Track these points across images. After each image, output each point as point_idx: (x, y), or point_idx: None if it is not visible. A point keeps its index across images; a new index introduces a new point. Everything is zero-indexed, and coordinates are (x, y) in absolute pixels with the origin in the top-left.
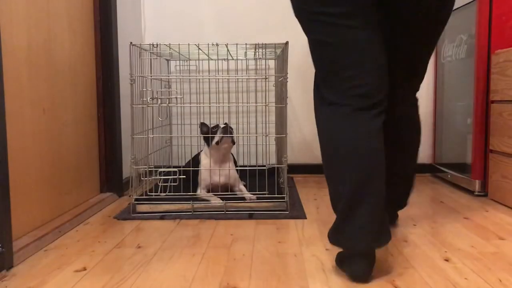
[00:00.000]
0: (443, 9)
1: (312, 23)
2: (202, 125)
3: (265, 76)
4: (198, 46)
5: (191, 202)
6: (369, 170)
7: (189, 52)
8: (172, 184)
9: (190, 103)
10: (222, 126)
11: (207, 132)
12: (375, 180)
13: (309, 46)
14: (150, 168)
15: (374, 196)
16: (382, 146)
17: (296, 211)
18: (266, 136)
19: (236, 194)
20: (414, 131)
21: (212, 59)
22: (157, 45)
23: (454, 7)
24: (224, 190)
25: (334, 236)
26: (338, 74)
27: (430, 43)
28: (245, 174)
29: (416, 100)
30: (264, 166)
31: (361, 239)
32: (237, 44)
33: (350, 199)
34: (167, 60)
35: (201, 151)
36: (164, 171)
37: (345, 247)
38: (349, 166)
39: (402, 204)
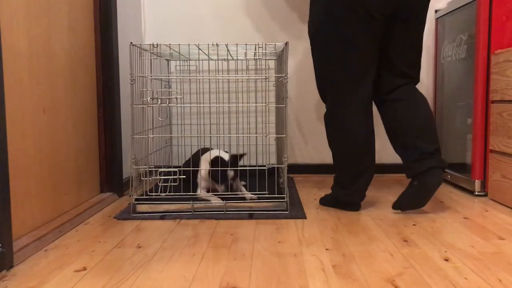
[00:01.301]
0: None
1: None
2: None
3: (265, 76)
4: (198, 46)
5: (191, 202)
6: None
7: (189, 52)
8: (172, 184)
9: (190, 103)
10: (229, 180)
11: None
12: None
13: None
14: (150, 168)
15: None
16: None
17: (296, 211)
18: (266, 136)
19: (236, 194)
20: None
21: (212, 59)
22: (157, 45)
23: (454, 7)
24: (223, 189)
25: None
26: None
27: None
28: (245, 174)
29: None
30: (264, 166)
31: None
32: (237, 44)
33: None
34: (167, 60)
35: (198, 151)
36: (164, 171)
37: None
38: None
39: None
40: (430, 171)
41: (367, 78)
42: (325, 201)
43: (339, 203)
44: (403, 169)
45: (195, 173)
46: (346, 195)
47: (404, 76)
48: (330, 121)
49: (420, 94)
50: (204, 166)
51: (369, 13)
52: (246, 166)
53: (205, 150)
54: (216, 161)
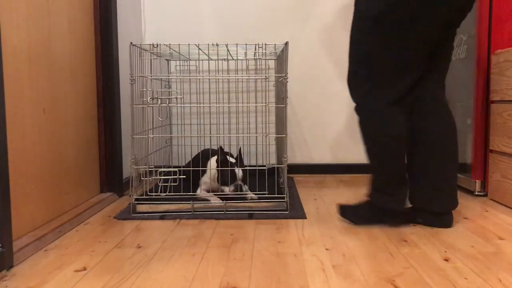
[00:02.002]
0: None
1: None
2: (222, 150)
3: (265, 76)
4: (198, 46)
5: (191, 202)
6: None
7: (189, 52)
8: (172, 184)
9: (190, 103)
10: (238, 181)
11: (222, 161)
12: None
13: None
14: (150, 168)
15: None
16: None
17: (296, 211)
18: (266, 136)
19: (237, 194)
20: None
21: (212, 59)
22: (157, 45)
23: None
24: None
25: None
26: None
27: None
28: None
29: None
30: (264, 166)
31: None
32: (237, 44)
33: None
34: (167, 60)
35: (200, 153)
36: (164, 171)
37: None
38: None
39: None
40: (444, 216)
41: (417, 71)
42: (361, 217)
43: (385, 215)
44: (411, 193)
45: (197, 173)
46: (394, 202)
47: (442, 85)
48: (370, 114)
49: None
50: (212, 169)
51: (448, 6)
52: (246, 166)
53: (207, 151)
54: (222, 162)
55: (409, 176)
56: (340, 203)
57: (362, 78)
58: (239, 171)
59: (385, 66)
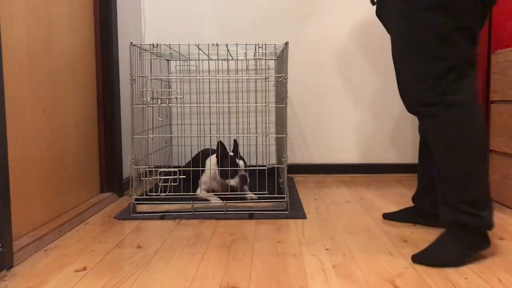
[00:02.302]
0: None
1: None
2: (221, 144)
3: (265, 76)
4: (198, 46)
5: (191, 202)
6: None
7: (189, 52)
8: (172, 184)
9: (190, 103)
10: (241, 172)
11: (222, 153)
12: None
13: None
14: (150, 168)
15: None
16: None
17: (296, 211)
18: (266, 136)
19: (237, 194)
20: None
21: (212, 59)
22: (157, 45)
23: None
24: (224, 189)
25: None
26: None
27: None
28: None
29: None
30: (264, 166)
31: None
32: (237, 44)
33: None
34: (167, 60)
35: (199, 152)
36: (164, 171)
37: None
38: None
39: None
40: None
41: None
42: (450, 254)
43: (484, 240)
44: (417, 194)
45: (197, 172)
46: (491, 219)
47: None
48: (465, 108)
49: None
50: (212, 166)
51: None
52: (246, 166)
53: (207, 151)
54: (222, 156)
55: (418, 177)
56: (414, 255)
57: (437, 74)
58: (240, 162)
59: (462, 53)
